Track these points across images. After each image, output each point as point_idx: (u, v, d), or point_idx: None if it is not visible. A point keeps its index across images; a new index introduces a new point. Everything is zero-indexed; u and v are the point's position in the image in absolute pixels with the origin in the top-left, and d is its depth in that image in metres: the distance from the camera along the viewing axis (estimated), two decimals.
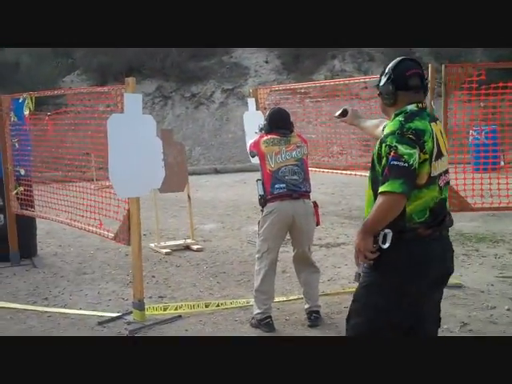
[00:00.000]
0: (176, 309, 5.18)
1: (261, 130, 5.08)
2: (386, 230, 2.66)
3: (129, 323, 4.92)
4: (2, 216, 7.13)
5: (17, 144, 6.80)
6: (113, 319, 5.03)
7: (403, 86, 2.82)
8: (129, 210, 4.98)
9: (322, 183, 12.36)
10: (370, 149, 8.97)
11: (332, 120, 9.57)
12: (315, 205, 4.75)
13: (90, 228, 5.84)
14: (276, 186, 4.59)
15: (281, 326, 4.77)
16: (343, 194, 11.26)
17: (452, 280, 5.60)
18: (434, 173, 2.74)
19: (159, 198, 7.93)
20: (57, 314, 5.25)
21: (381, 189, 2.63)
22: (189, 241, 7.71)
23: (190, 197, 7.87)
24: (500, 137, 8.94)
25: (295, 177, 4.63)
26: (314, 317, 4.72)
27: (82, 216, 6.01)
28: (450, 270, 2.92)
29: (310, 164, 8.60)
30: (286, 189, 4.58)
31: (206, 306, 5.25)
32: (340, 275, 6.08)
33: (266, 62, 19.01)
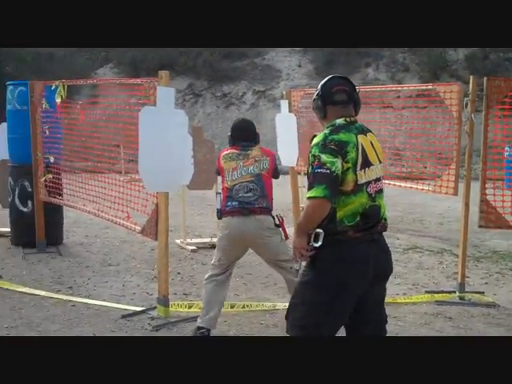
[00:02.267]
0: (201, 307, 5.07)
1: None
2: (318, 230, 2.91)
3: (152, 318, 4.83)
4: (30, 202, 7.12)
5: (47, 131, 6.77)
6: (137, 313, 4.96)
7: (330, 101, 3.09)
8: (157, 205, 4.90)
9: None
10: (402, 158, 8.80)
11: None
12: (280, 219, 4.49)
13: (118, 220, 5.76)
14: (229, 203, 4.43)
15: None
16: None
17: (485, 298, 5.47)
18: (361, 181, 2.97)
19: (186, 195, 7.86)
20: (80, 304, 5.18)
21: (307, 194, 2.91)
22: (215, 239, 7.60)
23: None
24: None
25: (249, 194, 4.42)
26: None
27: (110, 208, 5.93)
28: (386, 271, 3.13)
29: None
30: (238, 206, 4.40)
31: (232, 307, 5.14)
32: None
33: (299, 66, 18.90)
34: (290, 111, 7.63)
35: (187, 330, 4.63)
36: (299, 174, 8.38)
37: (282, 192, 11.58)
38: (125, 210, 5.72)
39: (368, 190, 3.00)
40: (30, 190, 7.08)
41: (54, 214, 7.17)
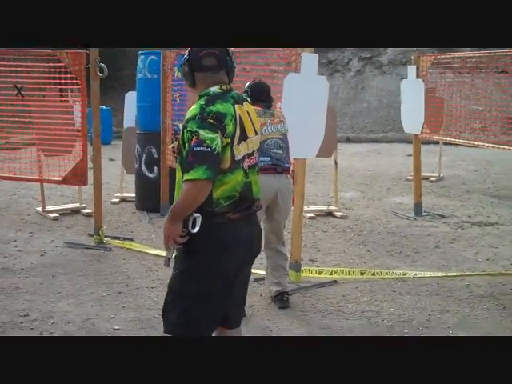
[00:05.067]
0: (331, 273, 5.15)
1: None
2: (196, 215, 2.66)
3: None
4: (156, 168, 7.41)
5: (178, 99, 6.95)
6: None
7: (198, 67, 2.78)
8: (293, 171, 4.98)
9: (463, 159, 11.88)
10: None
11: (477, 94, 9.14)
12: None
13: None
14: (261, 158, 4.24)
15: (443, 301, 4.62)
16: (488, 172, 10.72)
17: None
18: (238, 156, 2.73)
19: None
20: None
21: (186, 176, 2.61)
22: (332, 207, 7.66)
23: (337, 163, 7.82)
24: None
25: (280, 151, 4.38)
26: (286, 298, 4.54)
27: None
28: (257, 252, 2.96)
29: (449, 137, 8.28)
30: (271, 162, 4.34)
31: (362, 274, 5.18)
32: (499, 255, 5.78)
33: None
34: (417, 77, 7.42)
35: (319, 296, 4.72)
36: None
37: (394, 161, 11.54)
38: None
39: (243, 165, 2.77)
40: (156, 156, 7.36)
41: None
